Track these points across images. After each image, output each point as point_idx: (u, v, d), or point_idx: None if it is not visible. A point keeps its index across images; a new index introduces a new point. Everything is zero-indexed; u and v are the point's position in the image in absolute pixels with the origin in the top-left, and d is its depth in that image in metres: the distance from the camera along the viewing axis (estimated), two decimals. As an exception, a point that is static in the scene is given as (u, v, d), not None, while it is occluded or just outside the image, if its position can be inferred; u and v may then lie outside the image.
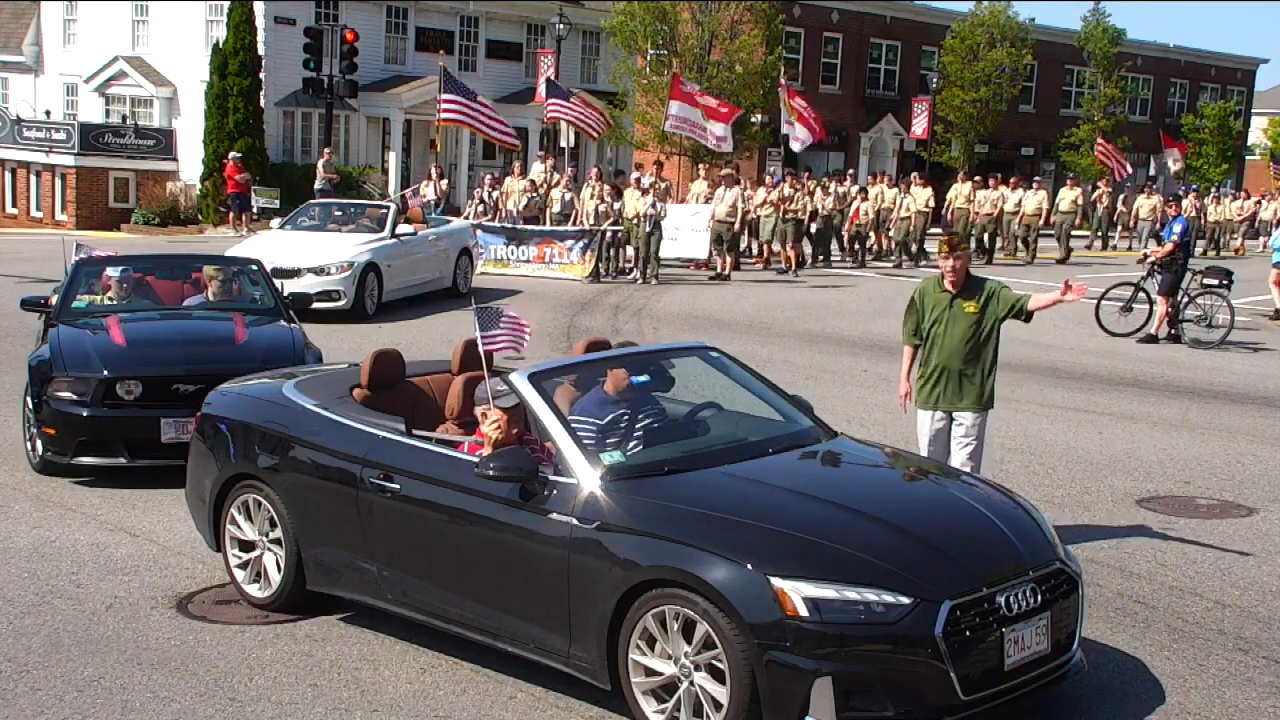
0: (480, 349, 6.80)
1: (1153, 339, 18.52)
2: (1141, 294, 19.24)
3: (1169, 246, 18.49)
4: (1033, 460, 11.00)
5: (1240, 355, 17.95)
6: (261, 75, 35.22)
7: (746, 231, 27.65)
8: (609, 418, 6.48)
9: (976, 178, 32.61)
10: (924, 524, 5.85)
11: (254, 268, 12.10)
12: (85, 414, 9.46)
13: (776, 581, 5.26)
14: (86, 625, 6.83)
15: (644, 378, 6.83)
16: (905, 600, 5.27)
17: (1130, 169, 41.93)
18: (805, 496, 5.99)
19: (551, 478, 5.96)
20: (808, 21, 47.86)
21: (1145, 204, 34.38)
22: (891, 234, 29.48)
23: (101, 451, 9.53)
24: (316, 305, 15.04)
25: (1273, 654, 6.88)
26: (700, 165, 31.51)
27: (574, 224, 25.10)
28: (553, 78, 32.08)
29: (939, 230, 29.40)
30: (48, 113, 41.54)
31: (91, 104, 41.29)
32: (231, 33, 34.71)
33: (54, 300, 11.19)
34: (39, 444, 9.70)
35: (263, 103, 35.35)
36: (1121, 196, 37.02)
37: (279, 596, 7.07)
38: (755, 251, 28.49)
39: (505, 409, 6.29)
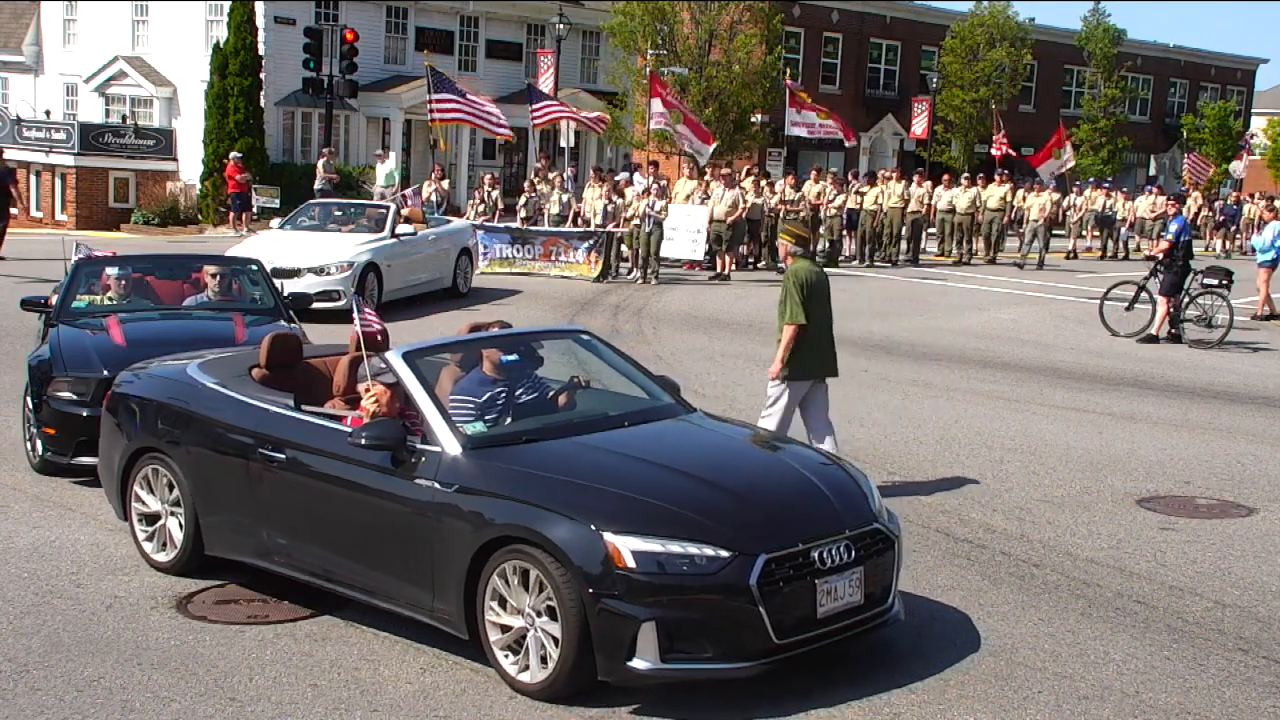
0: (358, 330, 7.37)
1: (1153, 339, 18.54)
2: (1144, 294, 19.28)
3: (1163, 245, 18.85)
4: (1033, 460, 11.00)
5: (1240, 355, 17.96)
6: (262, 75, 35.22)
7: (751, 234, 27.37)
8: (487, 395, 6.95)
9: (884, 171, 32.29)
10: (750, 486, 6.40)
11: (254, 268, 12.09)
12: (85, 414, 9.43)
13: (609, 537, 5.75)
14: (86, 625, 6.84)
15: (513, 357, 7.26)
16: (724, 553, 5.78)
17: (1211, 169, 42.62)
18: (646, 462, 6.50)
19: (419, 446, 6.45)
20: (808, 21, 47.89)
21: (1035, 203, 31.15)
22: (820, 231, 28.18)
23: (101, 452, 9.52)
24: (316, 305, 15.05)
25: (1273, 654, 6.88)
26: (683, 162, 31.29)
27: (574, 224, 25.09)
28: (442, 71, 27.26)
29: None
30: (48, 113, 41.54)
31: (91, 104, 41.30)
32: (232, 33, 34.71)
33: (54, 300, 11.18)
34: (39, 444, 9.69)
35: (263, 103, 35.35)
36: (1019, 194, 33.63)
37: (179, 560, 7.57)
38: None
39: (387, 385, 6.77)
